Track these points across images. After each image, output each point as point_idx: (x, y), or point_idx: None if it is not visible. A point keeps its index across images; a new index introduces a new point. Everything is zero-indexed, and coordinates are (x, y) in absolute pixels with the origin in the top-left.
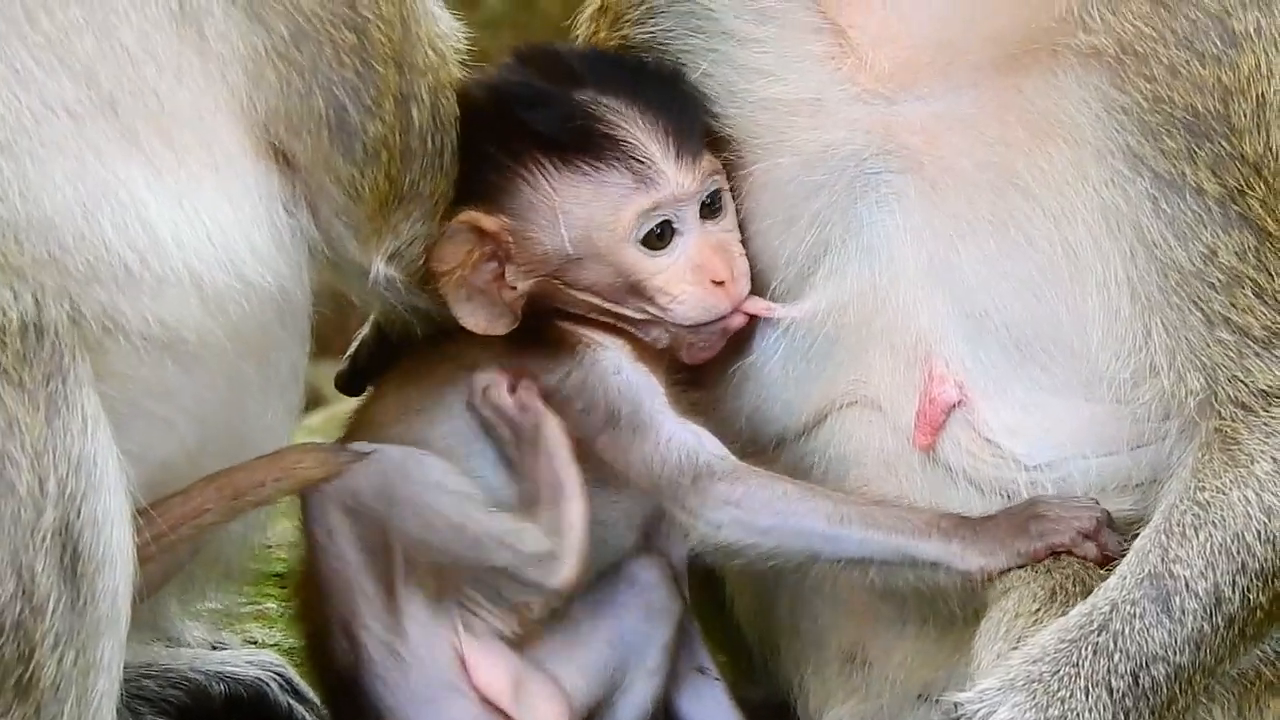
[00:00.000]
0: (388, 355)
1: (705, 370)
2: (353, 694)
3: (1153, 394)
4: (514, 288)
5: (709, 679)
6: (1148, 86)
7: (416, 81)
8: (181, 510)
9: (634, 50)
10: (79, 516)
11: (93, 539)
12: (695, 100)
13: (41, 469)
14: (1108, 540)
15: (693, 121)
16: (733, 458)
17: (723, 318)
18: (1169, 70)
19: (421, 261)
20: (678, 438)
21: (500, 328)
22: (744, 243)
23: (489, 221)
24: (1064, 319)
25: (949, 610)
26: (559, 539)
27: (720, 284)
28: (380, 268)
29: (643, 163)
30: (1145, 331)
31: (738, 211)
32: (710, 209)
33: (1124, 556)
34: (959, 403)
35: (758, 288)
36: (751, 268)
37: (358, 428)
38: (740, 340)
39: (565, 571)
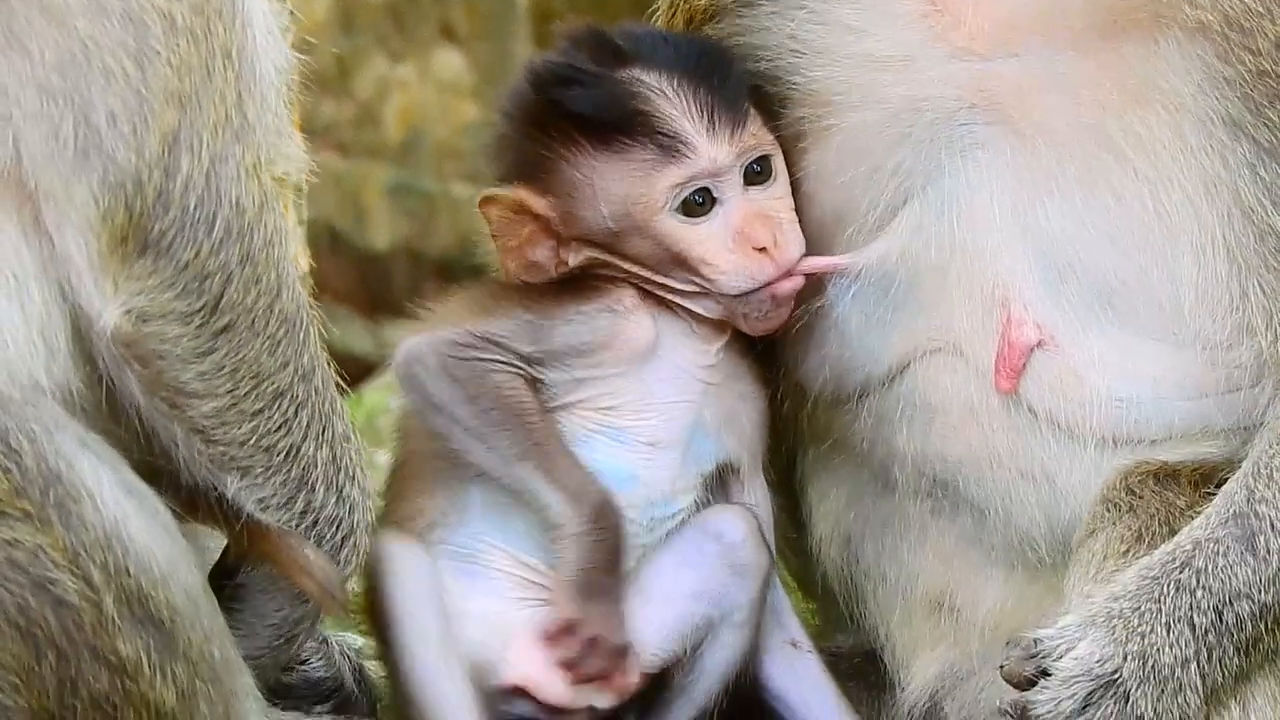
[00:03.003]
0: None
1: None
2: None
3: (1250, 354)
4: (566, 262)
5: (802, 652)
6: (1252, 60)
7: (200, 133)
8: None
9: (725, 8)
10: None
11: None
12: (740, 73)
13: None
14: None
15: (734, 93)
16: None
17: (769, 284)
18: (1275, 45)
19: (150, 357)
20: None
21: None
22: (826, 196)
23: (535, 202)
24: (1154, 277)
25: (1036, 556)
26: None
27: (763, 250)
28: (112, 318)
29: (672, 136)
30: (1242, 293)
31: (821, 165)
32: (757, 176)
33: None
34: (1039, 343)
35: (837, 238)
36: (833, 219)
37: None
38: (812, 294)
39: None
